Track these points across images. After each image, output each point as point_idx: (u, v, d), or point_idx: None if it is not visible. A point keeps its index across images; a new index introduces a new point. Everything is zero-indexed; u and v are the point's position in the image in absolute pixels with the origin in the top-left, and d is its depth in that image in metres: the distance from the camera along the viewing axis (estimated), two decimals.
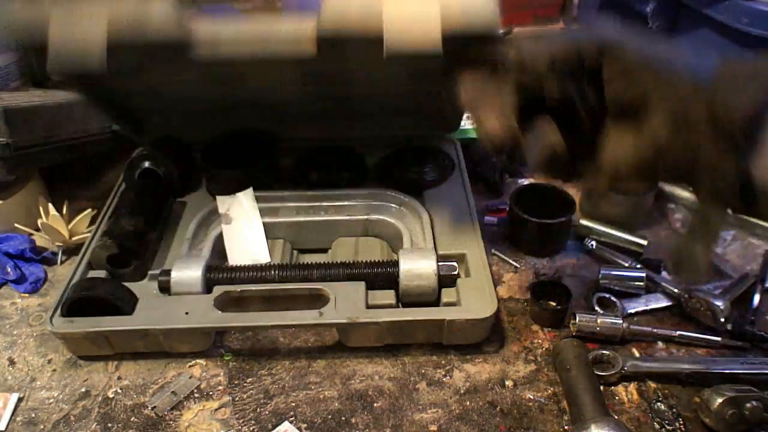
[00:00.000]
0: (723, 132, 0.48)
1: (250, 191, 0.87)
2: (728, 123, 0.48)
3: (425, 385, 0.71)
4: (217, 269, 0.76)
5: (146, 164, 0.90)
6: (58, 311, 0.72)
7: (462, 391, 0.70)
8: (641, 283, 0.79)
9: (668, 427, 0.66)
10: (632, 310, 0.78)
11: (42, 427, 0.67)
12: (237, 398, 0.70)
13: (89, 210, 0.91)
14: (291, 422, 0.67)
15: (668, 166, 0.52)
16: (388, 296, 0.74)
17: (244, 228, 0.83)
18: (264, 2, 0.68)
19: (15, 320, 0.81)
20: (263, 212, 0.85)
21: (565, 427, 0.66)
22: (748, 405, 0.62)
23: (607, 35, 0.53)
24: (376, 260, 0.77)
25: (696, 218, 0.54)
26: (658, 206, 0.93)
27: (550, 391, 0.70)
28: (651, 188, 0.56)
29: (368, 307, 0.72)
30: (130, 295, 0.74)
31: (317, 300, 0.73)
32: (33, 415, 0.69)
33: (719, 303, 0.73)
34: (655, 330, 0.74)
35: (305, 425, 0.67)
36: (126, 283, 0.76)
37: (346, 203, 0.87)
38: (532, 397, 0.69)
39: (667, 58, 0.52)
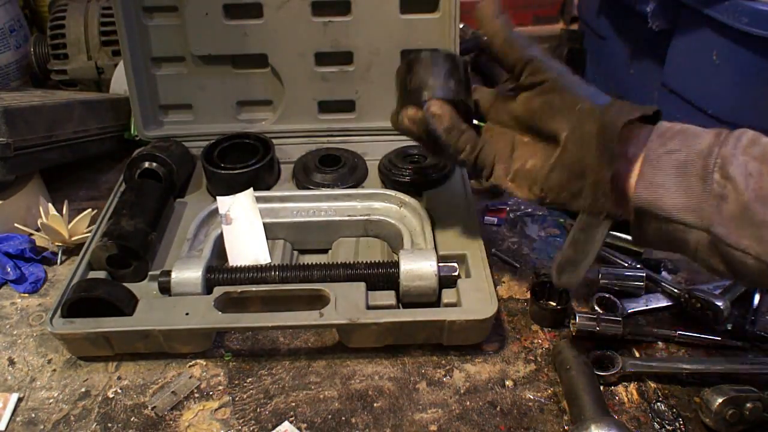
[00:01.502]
0: (606, 148, 0.56)
1: (250, 191, 0.87)
2: (609, 141, 0.56)
3: (425, 385, 0.71)
4: (218, 270, 0.76)
5: (146, 164, 0.90)
6: (58, 312, 0.72)
7: (462, 391, 0.70)
8: (641, 283, 0.79)
9: (668, 427, 0.66)
10: (632, 310, 0.78)
11: (42, 427, 0.67)
12: (237, 398, 0.70)
13: (89, 210, 0.91)
14: (291, 422, 0.67)
15: (559, 179, 0.60)
16: (388, 297, 0.74)
17: (245, 228, 0.83)
18: None
19: (15, 320, 0.81)
20: (263, 212, 0.85)
21: (565, 427, 0.66)
22: (748, 405, 0.62)
23: (539, 53, 0.62)
24: (377, 261, 0.77)
25: (580, 229, 0.60)
26: None
27: (550, 391, 0.70)
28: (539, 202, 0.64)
29: (369, 307, 0.72)
30: (131, 296, 0.74)
31: (317, 301, 0.73)
32: (33, 415, 0.69)
33: (719, 303, 0.73)
34: (655, 330, 0.74)
35: (305, 425, 0.67)
36: (126, 284, 0.76)
37: (346, 203, 0.87)
38: (532, 397, 0.69)
39: (578, 84, 0.61)
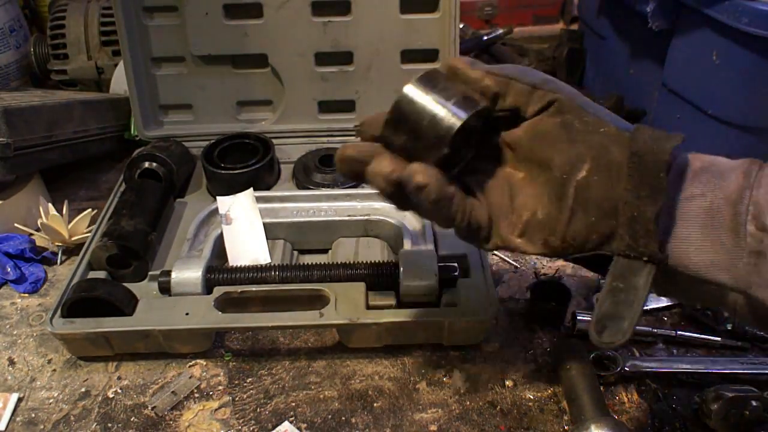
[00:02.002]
0: (647, 179, 0.46)
1: (250, 191, 0.87)
2: (655, 170, 0.45)
3: (425, 385, 0.71)
4: (218, 270, 0.76)
5: (146, 164, 0.90)
6: (58, 312, 0.72)
7: (462, 391, 0.70)
8: None
9: (668, 427, 0.66)
10: None
11: (42, 427, 0.67)
12: (237, 398, 0.70)
13: (89, 210, 0.91)
14: (291, 422, 0.67)
15: (585, 221, 0.47)
16: (388, 297, 0.74)
17: (245, 228, 0.83)
18: None
19: (15, 320, 0.81)
20: (263, 212, 0.85)
21: (565, 427, 0.66)
22: (748, 405, 0.62)
23: (540, 76, 0.50)
24: (377, 261, 0.77)
25: (616, 276, 0.47)
26: None
27: (550, 391, 0.70)
28: (554, 254, 0.50)
29: (368, 307, 0.72)
30: (131, 296, 0.74)
31: (317, 301, 0.73)
32: (33, 415, 0.69)
33: None
34: (655, 330, 0.74)
35: (305, 425, 0.67)
36: (126, 284, 0.76)
37: (346, 203, 0.87)
38: (532, 397, 0.69)
39: (597, 106, 0.50)
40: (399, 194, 0.50)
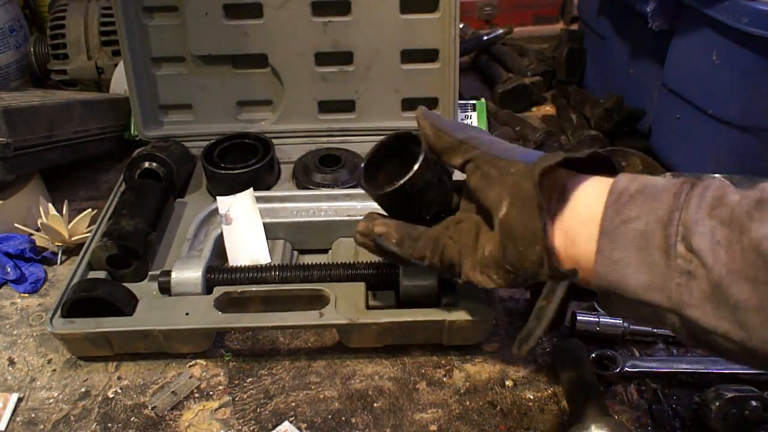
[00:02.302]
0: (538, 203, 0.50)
1: (250, 191, 0.87)
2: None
3: (425, 385, 0.71)
4: (218, 270, 0.76)
5: (146, 164, 0.90)
6: (58, 312, 0.72)
7: (462, 391, 0.70)
8: None
9: (668, 427, 0.66)
10: None
11: (42, 427, 0.67)
12: (237, 398, 0.70)
13: (89, 210, 0.91)
14: (291, 422, 0.67)
15: (514, 254, 0.52)
16: (388, 297, 0.74)
17: (245, 228, 0.83)
18: None
19: (15, 320, 0.81)
20: (263, 212, 0.85)
21: (565, 428, 0.66)
22: (748, 405, 0.62)
23: (465, 133, 0.58)
24: (377, 261, 0.77)
25: (542, 297, 0.54)
26: None
27: (550, 391, 0.70)
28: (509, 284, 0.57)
29: (368, 307, 0.72)
30: (131, 296, 0.74)
31: (318, 301, 0.73)
32: (33, 415, 0.69)
33: None
34: (655, 330, 0.74)
35: (305, 425, 0.67)
36: (126, 284, 0.76)
37: (346, 203, 0.87)
38: (532, 397, 0.69)
39: (511, 150, 0.56)
40: (373, 245, 0.62)
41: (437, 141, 0.59)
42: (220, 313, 0.71)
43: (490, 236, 0.56)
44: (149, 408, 0.69)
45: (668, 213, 0.45)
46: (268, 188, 0.93)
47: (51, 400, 0.70)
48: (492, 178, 0.54)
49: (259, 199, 0.86)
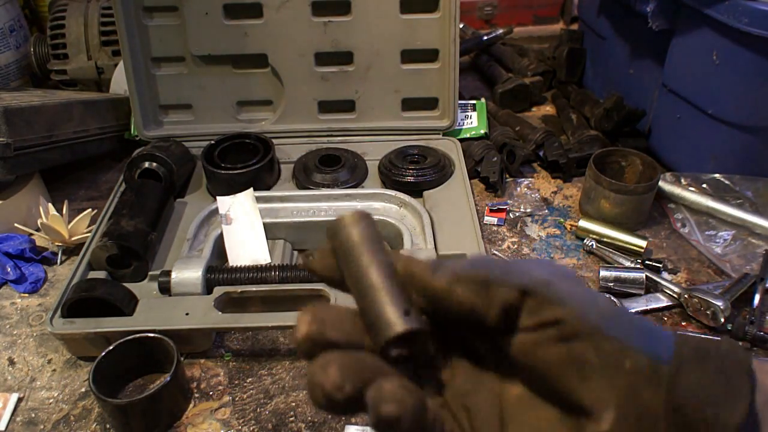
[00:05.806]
0: None
1: (250, 191, 0.87)
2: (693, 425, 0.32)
3: None
4: (218, 270, 0.76)
5: (146, 164, 0.90)
6: (58, 312, 0.72)
7: None
8: (641, 284, 0.79)
9: None
10: (633, 310, 0.78)
11: (42, 427, 0.67)
12: (237, 398, 0.70)
13: (89, 210, 0.91)
14: (291, 422, 0.67)
15: None
16: None
17: (245, 228, 0.83)
18: None
19: (15, 320, 0.81)
20: (263, 212, 0.85)
21: None
22: None
23: (533, 275, 0.34)
24: None
25: None
26: (658, 206, 0.93)
27: None
28: None
29: None
30: (131, 296, 0.74)
31: (317, 300, 0.73)
32: (33, 415, 0.69)
33: (719, 303, 0.73)
34: None
35: (305, 425, 0.67)
36: (126, 284, 0.76)
37: (346, 203, 0.87)
38: None
39: (617, 317, 0.34)
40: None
41: (474, 297, 0.33)
42: (220, 313, 0.71)
43: (550, 420, 0.35)
44: None
45: None
46: (268, 188, 0.93)
47: (51, 400, 0.70)
48: (588, 368, 0.33)
49: (259, 199, 0.86)
